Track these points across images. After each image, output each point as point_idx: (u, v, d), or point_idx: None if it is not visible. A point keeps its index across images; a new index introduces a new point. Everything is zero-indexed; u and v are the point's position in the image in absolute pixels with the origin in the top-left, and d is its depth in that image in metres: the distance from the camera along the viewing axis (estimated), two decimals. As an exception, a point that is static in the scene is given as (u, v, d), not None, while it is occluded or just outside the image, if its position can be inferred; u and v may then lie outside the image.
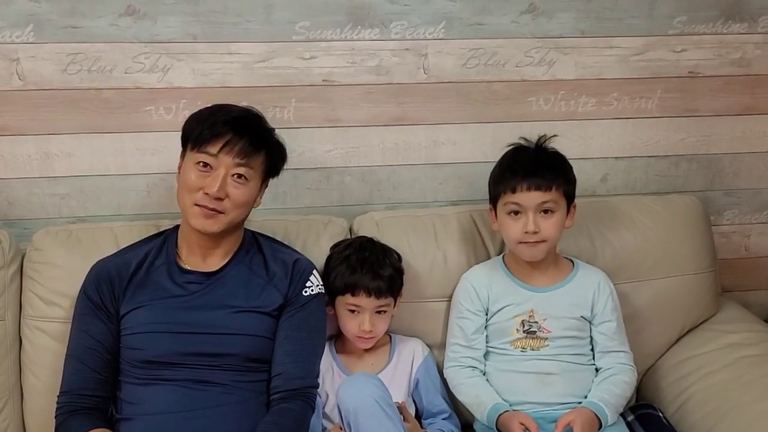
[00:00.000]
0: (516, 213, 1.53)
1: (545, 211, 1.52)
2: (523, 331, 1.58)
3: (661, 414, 1.66)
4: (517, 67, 1.84)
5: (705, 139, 1.96)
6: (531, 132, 1.86)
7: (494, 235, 1.74)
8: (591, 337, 1.61)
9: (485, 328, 1.61)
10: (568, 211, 1.57)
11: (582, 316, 1.59)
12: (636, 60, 1.87)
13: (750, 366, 1.63)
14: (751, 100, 1.94)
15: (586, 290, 1.60)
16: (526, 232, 1.51)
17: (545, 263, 1.60)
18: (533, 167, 1.53)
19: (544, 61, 1.85)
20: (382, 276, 1.55)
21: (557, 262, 1.63)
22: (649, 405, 1.70)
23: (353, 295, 1.54)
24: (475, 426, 1.62)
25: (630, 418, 1.65)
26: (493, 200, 1.60)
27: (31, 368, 1.60)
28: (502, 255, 1.69)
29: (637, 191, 1.97)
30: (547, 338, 1.57)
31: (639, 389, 1.77)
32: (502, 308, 1.60)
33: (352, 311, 1.56)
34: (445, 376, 1.62)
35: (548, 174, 1.52)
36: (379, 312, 1.56)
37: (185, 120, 1.49)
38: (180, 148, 1.50)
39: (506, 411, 1.49)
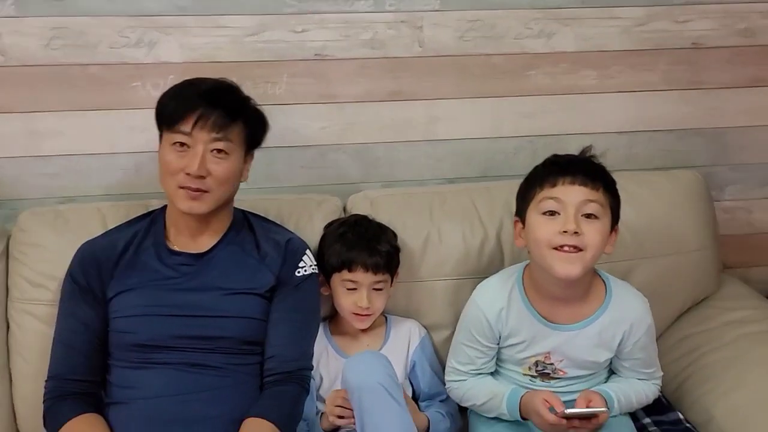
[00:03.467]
0: (552, 213, 1.31)
1: (588, 216, 1.30)
2: (536, 370, 1.45)
3: (660, 393, 1.63)
4: (516, 39, 1.79)
5: (710, 112, 1.91)
6: (533, 107, 1.83)
7: (492, 213, 1.69)
8: (611, 362, 1.47)
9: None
10: (610, 232, 1.35)
11: (605, 360, 1.43)
12: (639, 31, 1.82)
13: (752, 343, 1.61)
14: (759, 72, 1.89)
15: (615, 331, 1.40)
16: (564, 232, 1.28)
17: (573, 297, 1.39)
18: (579, 163, 1.34)
19: (543, 32, 1.79)
20: (379, 251, 1.52)
21: (587, 294, 1.41)
22: (649, 384, 1.66)
23: (350, 270, 1.51)
24: (469, 413, 1.57)
25: (629, 398, 1.61)
26: (523, 208, 1.38)
27: (20, 352, 1.57)
28: (521, 270, 1.47)
29: (639, 167, 1.91)
30: (560, 378, 1.45)
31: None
32: (516, 344, 1.43)
33: (349, 288, 1.53)
34: (450, 393, 1.54)
35: (595, 172, 1.33)
36: (376, 289, 1.53)
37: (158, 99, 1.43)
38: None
39: (526, 392, 1.41)
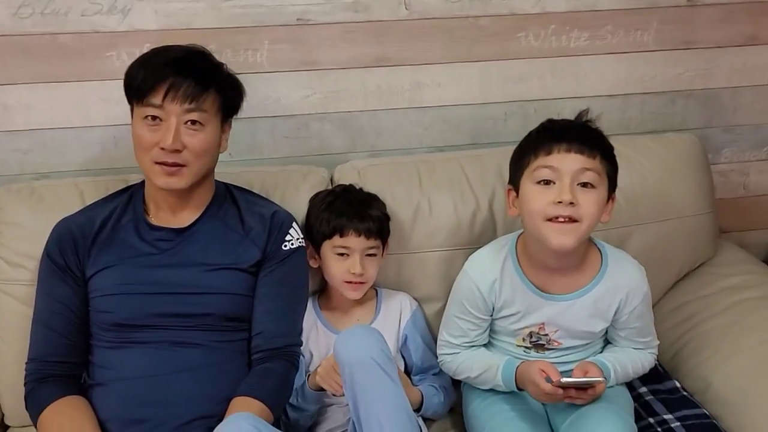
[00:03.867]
0: (547, 183, 1.26)
1: (584, 185, 1.26)
2: (530, 342, 1.42)
3: (656, 361, 1.61)
4: (504, -1, 1.73)
5: (704, 72, 1.86)
6: (522, 71, 1.78)
7: (484, 181, 1.65)
8: (606, 332, 1.44)
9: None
10: (607, 201, 1.31)
11: (600, 329, 1.40)
12: (631, -12, 1.76)
13: (750, 309, 1.58)
14: (754, 30, 1.83)
15: (611, 300, 1.37)
16: (559, 202, 1.23)
17: (567, 267, 1.35)
18: (575, 130, 1.28)
19: (533, -9, 1.73)
20: (370, 215, 1.49)
21: (583, 264, 1.38)
22: (645, 353, 1.64)
23: (342, 236, 1.47)
24: (463, 386, 1.55)
25: (625, 367, 1.59)
26: (516, 177, 1.33)
27: (0, 334, 1.52)
28: (514, 239, 1.43)
29: (632, 131, 1.88)
30: (554, 349, 1.42)
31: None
32: (510, 315, 1.40)
33: (341, 254, 1.49)
34: (442, 366, 1.51)
35: (593, 139, 1.28)
36: (368, 255, 1.50)
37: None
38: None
39: (521, 362, 1.37)
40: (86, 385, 1.40)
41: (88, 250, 1.40)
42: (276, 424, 1.36)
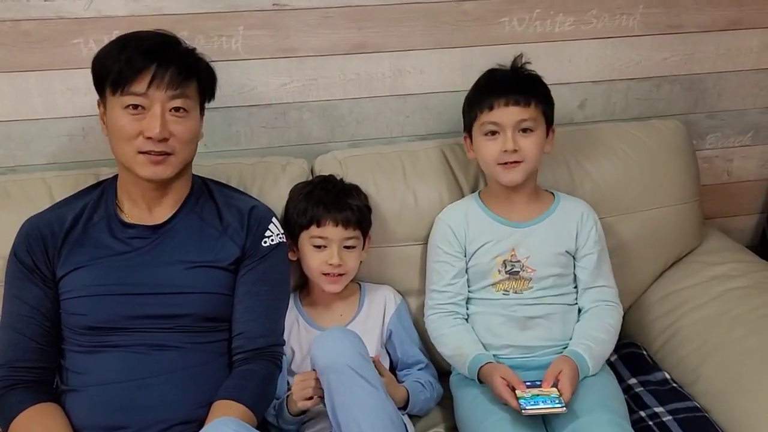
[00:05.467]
0: (493, 133, 1.46)
1: (524, 130, 1.45)
2: (506, 272, 1.48)
3: (644, 352, 1.60)
4: (488, -18, 1.68)
5: (688, 57, 1.84)
6: (506, 57, 1.74)
7: (467, 170, 1.62)
8: (574, 275, 1.51)
9: (465, 271, 1.51)
10: (547, 134, 1.50)
11: (566, 251, 1.49)
12: (617, -30, 1.72)
13: (738, 299, 1.57)
14: (738, 13, 1.81)
15: (569, 222, 1.51)
16: (505, 151, 1.44)
17: (524, 195, 1.51)
18: (510, 83, 1.47)
19: (518, -26, 1.68)
20: (349, 205, 1.45)
21: (537, 195, 1.54)
22: (633, 343, 1.63)
23: (319, 225, 1.44)
24: (452, 379, 1.52)
25: (613, 358, 1.58)
26: (468, 125, 1.51)
27: (-34, 338, 1.45)
28: (477, 192, 1.59)
29: (616, 117, 1.85)
30: (530, 279, 1.47)
31: (622, 327, 1.69)
32: (481, 247, 1.50)
33: (318, 246, 1.44)
34: (426, 326, 1.52)
35: (526, 89, 1.46)
36: (347, 247, 1.45)
37: (93, 60, 1.32)
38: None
39: (488, 363, 1.40)
40: (59, 391, 1.34)
41: (58, 250, 1.33)
42: (260, 426, 1.32)
